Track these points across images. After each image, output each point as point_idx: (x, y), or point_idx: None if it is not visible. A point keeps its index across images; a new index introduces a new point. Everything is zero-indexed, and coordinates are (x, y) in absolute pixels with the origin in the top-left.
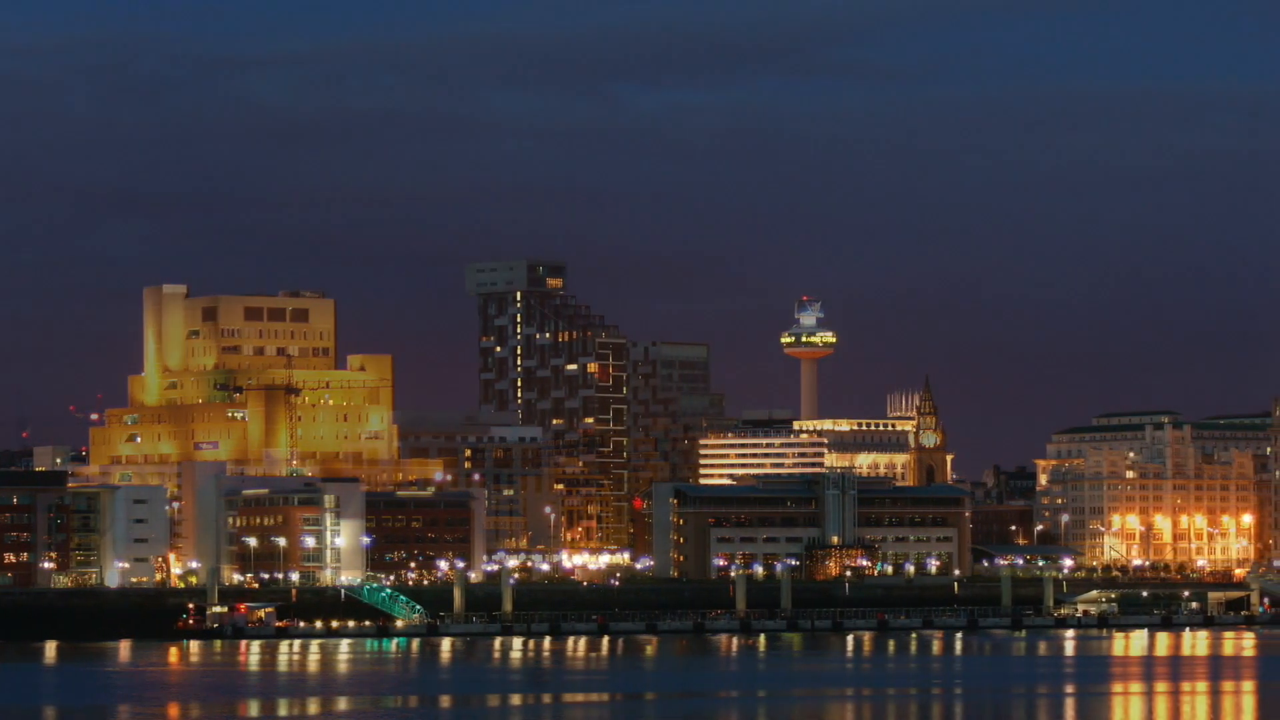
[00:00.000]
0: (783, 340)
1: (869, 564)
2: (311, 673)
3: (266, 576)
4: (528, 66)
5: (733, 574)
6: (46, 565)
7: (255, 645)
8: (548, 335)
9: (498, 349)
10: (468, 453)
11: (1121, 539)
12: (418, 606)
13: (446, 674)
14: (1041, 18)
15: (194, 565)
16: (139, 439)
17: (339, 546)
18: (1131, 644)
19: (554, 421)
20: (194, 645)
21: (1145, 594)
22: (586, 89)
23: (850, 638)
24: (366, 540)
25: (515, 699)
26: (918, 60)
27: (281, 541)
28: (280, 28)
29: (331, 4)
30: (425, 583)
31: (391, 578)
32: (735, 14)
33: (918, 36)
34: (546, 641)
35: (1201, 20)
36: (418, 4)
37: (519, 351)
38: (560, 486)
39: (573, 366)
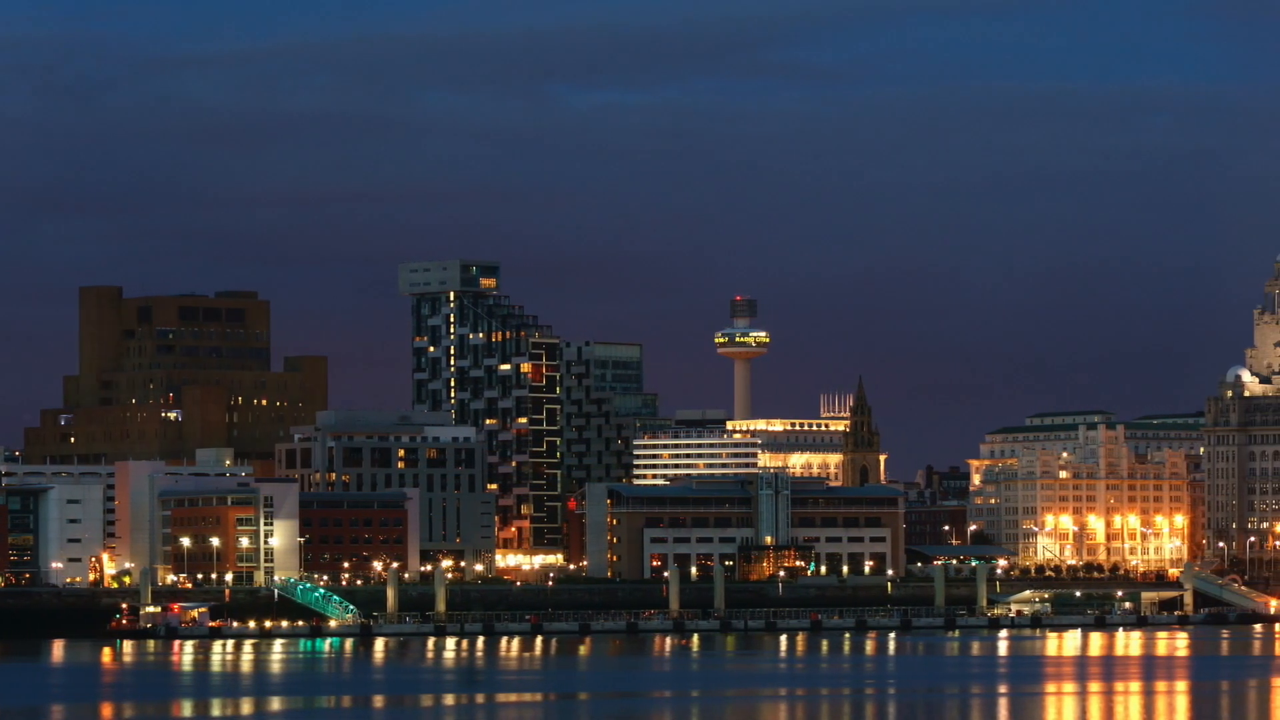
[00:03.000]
0: (716, 340)
1: (803, 564)
2: (245, 673)
3: (201, 577)
4: (461, 67)
5: (666, 574)
6: None
7: (189, 645)
8: (481, 335)
9: (431, 349)
10: (401, 453)
11: (1055, 539)
12: (351, 606)
13: (380, 674)
14: (975, 19)
15: (128, 565)
16: (74, 438)
17: (273, 546)
18: (1065, 644)
19: (487, 422)
20: (127, 645)
21: (1079, 594)
22: (520, 89)
23: (784, 638)
24: (301, 540)
25: (449, 699)
26: (851, 61)
27: (216, 541)
28: (214, 28)
29: (265, 4)
30: (359, 583)
31: (325, 578)
32: (669, 15)
33: (851, 38)
34: (480, 642)
35: (1133, 21)
36: (351, 4)
37: (452, 352)
38: (494, 486)
39: (506, 367)
